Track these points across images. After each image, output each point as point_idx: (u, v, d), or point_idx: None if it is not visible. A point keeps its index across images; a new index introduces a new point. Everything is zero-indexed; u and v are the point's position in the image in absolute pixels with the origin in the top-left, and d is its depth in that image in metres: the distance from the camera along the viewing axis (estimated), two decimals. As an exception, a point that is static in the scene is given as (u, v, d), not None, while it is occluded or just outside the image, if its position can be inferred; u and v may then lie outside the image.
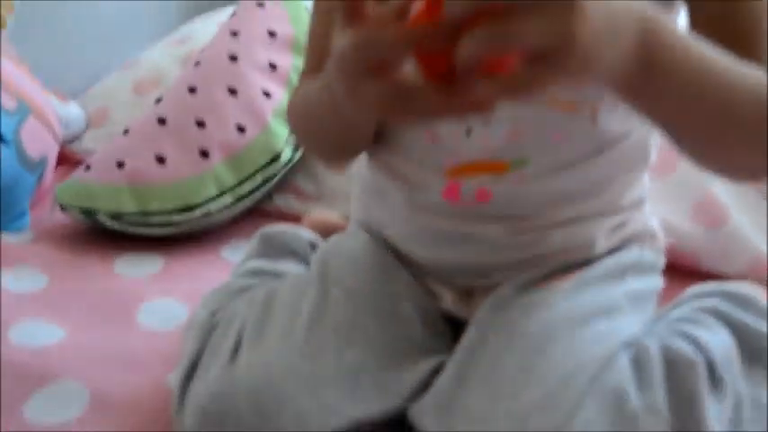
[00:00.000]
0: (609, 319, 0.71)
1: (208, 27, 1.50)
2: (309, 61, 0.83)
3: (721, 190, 1.04)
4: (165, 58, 1.44)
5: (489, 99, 0.48)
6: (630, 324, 0.72)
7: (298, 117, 0.82)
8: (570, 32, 0.46)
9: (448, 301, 0.79)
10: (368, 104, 0.53)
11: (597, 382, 0.65)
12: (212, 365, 0.73)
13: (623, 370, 0.66)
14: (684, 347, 0.69)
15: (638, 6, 0.52)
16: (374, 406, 0.71)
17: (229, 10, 1.59)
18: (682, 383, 0.66)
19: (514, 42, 0.46)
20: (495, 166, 0.74)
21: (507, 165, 0.73)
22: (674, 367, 0.67)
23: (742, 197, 1.04)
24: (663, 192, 1.04)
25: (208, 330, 0.77)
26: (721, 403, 0.67)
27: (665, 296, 0.86)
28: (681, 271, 1.01)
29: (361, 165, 0.88)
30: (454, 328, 0.78)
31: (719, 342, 0.72)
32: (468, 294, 0.79)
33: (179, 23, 1.75)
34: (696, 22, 0.67)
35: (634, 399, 0.64)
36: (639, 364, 0.67)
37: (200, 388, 0.71)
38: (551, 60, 0.47)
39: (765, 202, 1.03)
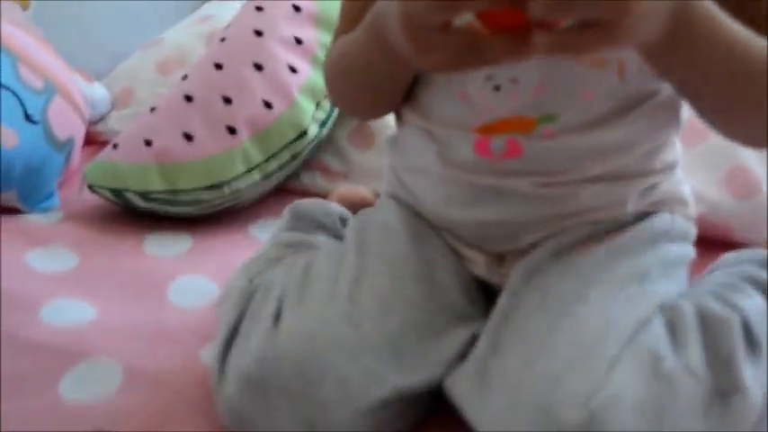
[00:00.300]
0: (642, 284, 0.71)
1: (229, 8, 1.50)
2: (344, 22, 0.83)
3: (753, 161, 1.03)
4: (188, 37, 1.44)
5: (546, 51, 0.55)
6: (664, 288, 0.72)
7: (335, 71, 0.83)
8: (625, 7, 0.54)
9: (481, 266, 0.80)
10: (441, 57, 0.61)
11: (632, 344, 0.65)
12: (253, 332, 0.73)
13: (658, 331, 0.66)
14: (720, 308, 0.69)
15: None
16: (415, 375, 0.71)
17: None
18: (718, 343, 0.66)
19: (578, 11, 0.54)
20: (522, 123, 0.74)
21: (534, 121, 0.74)
22: (710, 327, 0.67)
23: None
24: (694, 162, 1.03)
25: (247, 297, 0.78)
26: (757, 366, 0.67)
27: (698, 266, 0.85)
28: (712, 240, 1.00)
29: (391, 135, 0.88)
30: (487, 294, 0.79)
31: (755, 306, 0.72)
32: (500, 259, 0.79)
33: (201, 3, 1.75)
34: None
35: (670, 360, 0.64)
36: (674, 326, 0.67)
37: (242, 355, 0.71)
38: (603, 28, 0.55)
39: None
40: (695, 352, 0.65)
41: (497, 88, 0.73)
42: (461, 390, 0.69)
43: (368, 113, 0.90)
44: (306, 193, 1.21)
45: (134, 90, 1.38)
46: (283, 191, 1.21)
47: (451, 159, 0.78)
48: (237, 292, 0.78)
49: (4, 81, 1.13)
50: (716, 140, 1.04)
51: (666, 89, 0.76)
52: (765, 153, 1.03)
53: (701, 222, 0.97)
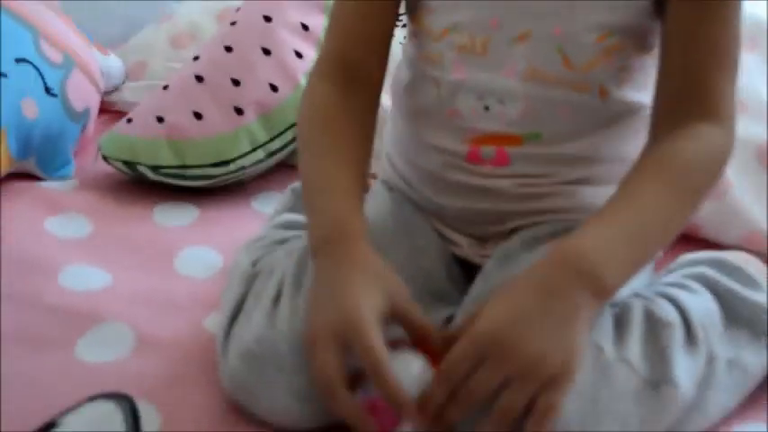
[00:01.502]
0: None
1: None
2: (330, 44, 0.88)
3: (724, 163, 1.10)
4: (200, 13, 1.49)
5: None
6: None
7: (302, 134, 0.87)
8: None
9: (464, 247, 0.88)
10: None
11: None
12: (255, 312, 0.81)
13: (605, 325, 0.75)
14: (665, 309, 0.77)
15: (558, 258, 0.71)
16: None
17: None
18: (656, 340, 0.75)
19: None
20: (510, 139, 0.82)
21: (521, 137, 0.82)
22: (652, 324, 0.76)
23: (742, 171, 1.09)
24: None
25: (250, 279, 0.85)
26: (694, 360, 0.76)
27: (667, 257, 0.94)
28: (682, 237, 1.08)
29: (388, 126, 0.95)
30: (468, 272, 0.88)
31: (701, 305, 0.81)
32: (483, 241, 0.88)
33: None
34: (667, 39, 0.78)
35: (609, 350, 0.72)
36: (621, 321, 0.76)
37: (244, 332, 0.79)
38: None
39: (765, 177, 1.09)
40: (635, 345, 0.74)
41: (486, 108, 0.81)
42: None
43: None
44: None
45: (147, 63, 1.45)
46: (284, 166, 1.28)
47: (443, 161, 0.86)
48: (241, 273, 0.86)
49: (25, 55, 1.19)
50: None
51: (647, 107, 0.83)
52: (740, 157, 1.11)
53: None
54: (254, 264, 0.88)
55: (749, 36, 1.22)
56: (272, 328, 0.78)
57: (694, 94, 0.77)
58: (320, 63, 0.88)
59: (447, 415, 0.66)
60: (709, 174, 0.78)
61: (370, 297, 0.70)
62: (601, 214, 0.74)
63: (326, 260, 0.75)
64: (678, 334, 0.76)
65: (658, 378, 0.73)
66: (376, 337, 0.67)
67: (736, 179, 1.09)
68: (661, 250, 0.81)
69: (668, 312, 0.77)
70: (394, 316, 0.71)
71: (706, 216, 1.08)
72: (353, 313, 0.68)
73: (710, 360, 0.77)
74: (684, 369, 0.74)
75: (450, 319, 0.81)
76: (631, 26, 0.79)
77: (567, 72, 0.79)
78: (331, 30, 0.89)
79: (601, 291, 0.70)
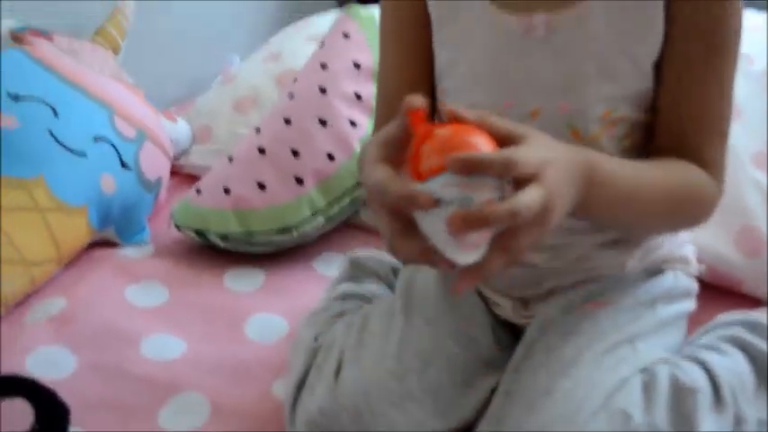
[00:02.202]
0: (633, 345, 0.86)
1: (297, 42, 1.64)
2: (381, 107, 0.96)
3: (763, 221, 1.14)
4: (260, 75, 1.58)
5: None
6: (652, 350, 0.87)
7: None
8: (552, 226, 0.66)
9: (507, 309, 0.95)
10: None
11: (609, 402, 0.79)
12: (318, 384, 0.89)
13: (634, 392, 0.81)
14: (692, 373, 0.83)
15: (581, 165, 0.71)
16: (452, 419, 0.87)
17: (317, 20, 1.74)
18: (683, 406, 0.80)
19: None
20: None
21: None
22: (679, 392, 0.81)
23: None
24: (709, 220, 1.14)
25: (312, 352, 0.94)
26: (721, 423, 0.81)
27: (708, 312, 1.00)
28: (722, 291, 1.13)
29: None
30: (514, 333, 0.94)
31: (731, 367, 0.86)
32: (525, 303, 0.94)
33: (270, 30, 1.90)
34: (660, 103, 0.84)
35: (638, 418, 0.78)
36: (649, 389, 0.81)
37: (309, 403, 0.88)
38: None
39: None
40: (661, 413, 0.79)
41: None
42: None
43: None
44: (363, 228, 1.36)
45: (212, 128, 1.54)
46: (343, 226, 1.35)
47: None
48: (305, 347, 0.94)
49: (102, 133, 1.29)
50: (727, 200, 1.16)
51: None
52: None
53: (712, 274, 1.11)
54: (317, 338, 0.96)
55: None
56: (334, 401, 0.86)
57: (690, 156, 0.83)
58: (373, 131, 0.97)
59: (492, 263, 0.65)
60: (697, 207, 0.85)
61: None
62: (621, 163, 0.78)
63: None
64: (705, 398, 0.81)
65: None
66: (377, 170, 0.66)
67: (775, 238, 1.13)
68: (625, 223, 0.84)
69: (695, 377, 0.83)
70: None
71: (747, 272, 1.13)
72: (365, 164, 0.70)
73: (739, 422, 0.83)
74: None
75: (495, 389, 0.88)
76: (637, 94, 0.84)
77: (575, 142, 0.83)
78: (377, 100, 0.97)
79: (583, 200, 0.72)
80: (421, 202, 0.61)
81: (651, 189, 0.79)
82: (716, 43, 0.82)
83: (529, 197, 0.62)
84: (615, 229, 0.88)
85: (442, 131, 0.63)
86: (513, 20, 0.83)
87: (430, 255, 0.64)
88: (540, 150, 0.66)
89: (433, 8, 0.89)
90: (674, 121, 0.83)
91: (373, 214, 0.68)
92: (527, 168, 0.63)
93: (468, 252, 0.62)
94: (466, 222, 0.60)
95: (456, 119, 0.65)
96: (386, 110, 0.93)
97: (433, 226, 0.62)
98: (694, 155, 0.83)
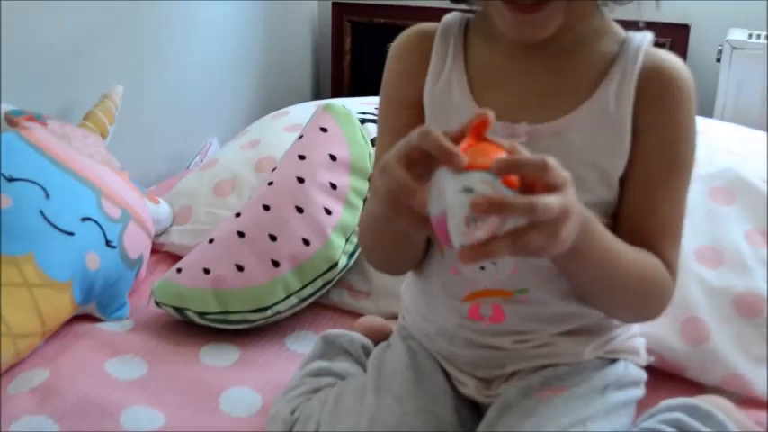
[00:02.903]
0: (584, 426, 0.93)
1: (274, 131, 1.74)
2: (387, 136, 1.02)
3: (705, 312, 1.23)
4: (239, 161, 1.67)
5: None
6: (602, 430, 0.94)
7: (362, 227, 1.05)
8: (561, 241, 0.75)
9: (471, 388, 1.03)
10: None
11: None
12: None
13: None
14: None
15: (584, 212, 0.80)
16: None
17: (294, 110, 1.84)
18: None
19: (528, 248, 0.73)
20: (502, 293, 0.98)
21: (511, 292, 0.98)
22: None
23: (724, 320, 1.23)
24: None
25: (289, 425, 1.01)
26: None
27: (656, 396, 1.07)
28: (668, 377, 1.21)
29: (405, 285, 1.11)
30: (477, 410, 1.03)
31: None
32: (488, 383, 1.03)
33: (246, 117, 2.01)
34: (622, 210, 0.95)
35: None
36: None
37: None
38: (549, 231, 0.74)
39: (741, 324, 1.22)
40: None
41: (482, 268, 0.97)
42: None
43: (388, 269, 1.09)
44: (334, 308, 1.44)
45: (192, 208, 1.61)
46: (315, 306, 1.42)
47: (450, 319, 1.01)
48: (282, 420, 1.01)
49: (89, 214, 1.37)
50: (676, 294, 1.26)
51: None
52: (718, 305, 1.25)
53: (660, 361, 1.19)
54: (293, 411, 1.03)
55: (727, 190, 1.37)
56: None
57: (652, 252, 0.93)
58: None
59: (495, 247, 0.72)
60: (661, 295, 0.95)
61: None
62: (608, 233, 0.87)
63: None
64: None
65: None
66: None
67: (716, 326, 1.22)
68: (601, 288, 0.93)
69: None
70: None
71: (689, 359, 1.21)
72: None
73: None
74: None
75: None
76: (602, 202, 0.94)
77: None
78: (377, 154, 1.05)
79: (579, 242, 0.79)
80: (456, 161, 0.71)
81: (629, 262, 0.90)
82: (678, 161, 0.94)
83: (549, 200, 0.72)
84: (586, 294, 0.95)
85: (490, 143, 0.74)
86: (498, 125, 0.90)
87: (409, 192, 0.74)
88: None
89: (427, 104, 0.99)
90: (637, 228, 0.93)
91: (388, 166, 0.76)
92: (557, 176, 0.73)
93: (467, 238, 0.71)
94: (490, 204, 0.69)
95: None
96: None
97: (456, 206, 0.71)
98: (658, 255, 0.93)
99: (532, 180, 0.73)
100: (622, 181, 0.94)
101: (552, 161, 0.73)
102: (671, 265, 0.94)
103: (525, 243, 0.72)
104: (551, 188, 0.73)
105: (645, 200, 0.94)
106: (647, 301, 0.95)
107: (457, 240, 0.71)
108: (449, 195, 0.71)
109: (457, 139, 0.75)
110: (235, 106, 2.30)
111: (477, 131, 0.75)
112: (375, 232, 0.99)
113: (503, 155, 0.73)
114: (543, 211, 0.71)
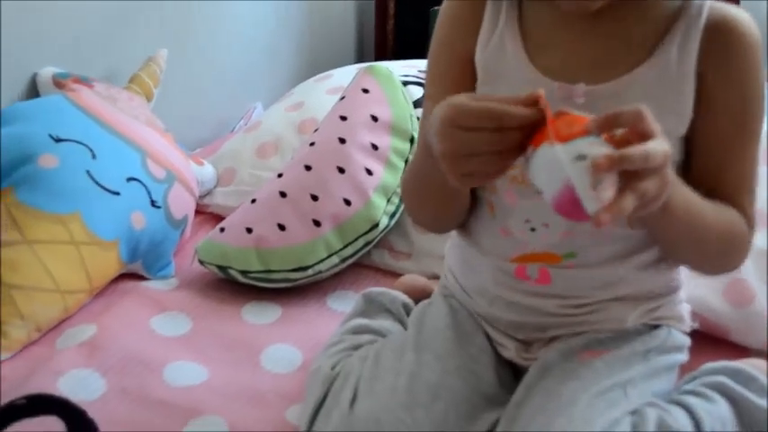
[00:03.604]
0: (624, 390, 0.93)
1: (318, 93, 1.74)
2: (435, 90, 1.01)
3: (749, 274, 1.21)
4: (282, 123, 1.68)
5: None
6: (642, 395, 0.93)
7: (407, 185, 1.05)
8: (669, 185, 0.75)
9: (511, 350, 1.03)
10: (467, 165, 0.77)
11: None
12: (334, 411, 0.96)
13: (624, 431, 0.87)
14: (678, 417, 0.90)
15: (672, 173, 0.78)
16: None
17: (336, 73, 1.84)
18: None
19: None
20: (550, 258, 0.97)
21: (560, 257, 0.97)
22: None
23: (766, 282, 1.21)
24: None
25: (329, 381, 1.01)
26: None
27: (699, 360, 1.06)
28: (712, 340, 1.20)
29: (450, 244, 1.11)
30: (515, 373, 1.02)
31: (714, 412, 0.93)
32: (528, 345, 1.02)
33: (290, 81, 2.01)
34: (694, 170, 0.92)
35: None
36: (638, 429, 0.88)
37: (324, 427, 0.95)
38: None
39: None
40: None
41: (533, 229, 0.96)
42: None
43: (434, 227, 1.10)
44: (375, 269, 1.45)
45: (236, 170, 1.63)
46: (356, 266, 1.44)
47: (494, 278, 1.01)
48: (322, 376, 1.02)
49: (135, 174, 1.39)
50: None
51: None
52: (763, 268, 1.22)
53: (704, 324, 1.18)
54: (333, 367, 1.04)
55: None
56: (349, 427, 0.94)
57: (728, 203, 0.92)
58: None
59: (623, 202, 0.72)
60: (739, 244, 0.94)
61: None
62: (687, 188, 0.86)
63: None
64: None
65: None
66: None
67: (761, 288, 1.20)
68: (687, 242, 0.92)
69: (680, 420, 0.90)
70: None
71: (733, 321, 1.20)
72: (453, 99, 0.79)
73: None
74: None
75: (496, 423, 0.95)
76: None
77: None
78: (432, 88, 1.03)
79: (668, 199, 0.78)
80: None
81: (711, 215, 0.89)
82: (748, 116, 0.92)
83: (657, 145, 0.73)
84: (671, 250, 0.95)
85: (568, 114, 0.75)
86: (555, 86, 0.90)
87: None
88: None
89: (479, 62, 0.97)
90: (712, 186, 0.91)
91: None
92: (652, 124, 0.73)
93: (599, 201, 0.71)
94: (610, 162, 0.70)
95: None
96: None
97: (578, 175, 0.71)
98: (734, 205, 0.92)
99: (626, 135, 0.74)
100: (689, 140, 0.92)
101: (645, 108, 0.73)
102: (748, 217, 0.93)
103: (644, 193, 0.72)
104: (646, 137, 0.73)
105: (717, 158, 0.92)
106: (729, 253, 0.94)
107: (591, 206, 0.71)
108: (567, 168, 0.72)
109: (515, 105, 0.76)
110: (278, 70, 2.31)
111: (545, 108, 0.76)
112: (421, 189, 0.99)
113: (587, 121, 0.73)
114: (654, 158, 0.72)
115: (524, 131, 0.76)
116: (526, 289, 0.99)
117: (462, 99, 0.77)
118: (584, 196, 0.71)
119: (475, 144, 0.76)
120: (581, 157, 0.71)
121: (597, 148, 0.71)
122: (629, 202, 0.71)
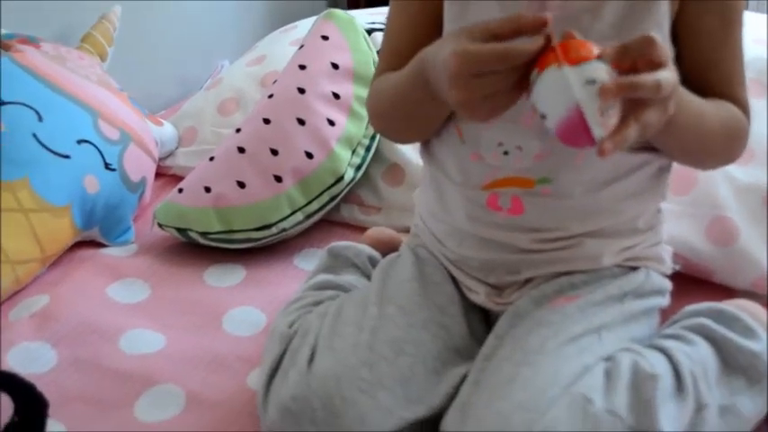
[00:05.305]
0: (599, 335, 0.88)
1: (282, 46, 1.67)
2: (386, 56, 0.99)
3: (733, 211, 1.15)
4: (244, 78, 1.60)
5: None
6: (617, 340, 0.88)
7: (380, 104, 0.99)
8: (668, 115, 0.74)
9: (482, 296, 0.97)
10: (479, 105, 0.76)
11: (570, 388, 0.81)
12: (291, 370, 0.90)
13: (596, 379, 0.82)
14: (653, 361, 0.85)
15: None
16: (420, 407, 0.88)
17: (303, 24, 1.76)
18: (642, 392, 0.82)
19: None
20: (523, 182, 0.92)
21: (533, 181, 0.91)
22: (639, 378, 0.83)
23: (753, 219, 1.14)
24: (680, 210, 1.15)
25: (287, 339, 0.95)
26: (681, 409, 0.83)
27: (682, 304, 1.01)
28: (695, 282, 1.14)
29: (420, 189, 1.05)
30: (486, 320, 0.98)
31: (694, 355, 0.88)
32: (500, 290, 0.97)
33: (262, 35, 1.93)
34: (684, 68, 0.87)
35: (598, 402, 0.80)
36: (611, 376, 0.83)
37: (281, 389, 0.89)
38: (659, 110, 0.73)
39: (769, 222, 1.14)
40: (622, 398, 0.81)
41: (506, 153, 0.91)
42: (449, 420, 0.86)
43: (401, 140, 1.09)
44: (343, 225, 1.39)
45: (197, 129, 1.56)
46: (324, 223, 1.37)
47: (466, 213, 0.95)
48: (279, 334, 0.96)
49: (86, 136, 1.32)
50: (700, 192, 1.18)
51: (656, 160, 0.92)
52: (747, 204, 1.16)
53: (686, 266, 1.12)
54: (291, 325, 0.98)
55: (757, 82, 1.28)
56: (307, 387, 0.88)
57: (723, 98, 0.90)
58: (375, 75, 1.01)
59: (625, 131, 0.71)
60: (740, 135, 0.92)
61: None
62: (687, 95, 0.84)
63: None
64: (665, 385, 0.83)
65: (644, 428, 0.79)
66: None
67: (745, 226, 1.14)
68: (693, 145, 0.90)
69: (656, 364, 0.84)
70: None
71: (717, 261, 1.14)
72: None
73: (699, 408, 0.84)
74: (670, 418, 0.81)
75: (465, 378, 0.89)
76: None
77: None
78: (383, 48, 1.01)
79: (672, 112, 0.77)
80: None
81: (712, 116, 0.88)
82: (729, 9, 0.90)
83: (666, 74, 0.72)
84: (676, 157, 0.94)
85: (573, 38, 0.74)
86: (524, 5, 0.86)
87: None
88: None
89: (447, 7, 0.92)
90: (703, 83, 0.89)
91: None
92: (663, 51, 0.72)
93: (606, 127, 0.71)
94: (620, 88, 0.69)
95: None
96: (394, 60, 0.95)
97: (587, 99, 0.70)
98: (729, 99, 0.91)
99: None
100: (675, 40, 0.89)
101: (656, 36, 0.72)
102: (743, 105, 0.92)
103: (647, 122, 0.72)
104: (657, 65, 0.72)
105: (704, 56, 0.90)
106: (731, 146, 0.93)
107: (598, 132, 0.70)
108: (576, 92, 0.70)
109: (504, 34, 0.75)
110: (248, 25, 2.22)
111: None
112: (402, 111, 0.95)
113: (594, 46, 0.72)
114: (666, 88, 0.71)
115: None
116: (498, 222, 0.93)
117: (465, 45, 0.75)
118: (593, 121, 0.70)
119: (488, 86, 0.74)
120: (590, 82, 0.70)
121: (604, 73, 0.71)
122: (633, 131, 0.71)
